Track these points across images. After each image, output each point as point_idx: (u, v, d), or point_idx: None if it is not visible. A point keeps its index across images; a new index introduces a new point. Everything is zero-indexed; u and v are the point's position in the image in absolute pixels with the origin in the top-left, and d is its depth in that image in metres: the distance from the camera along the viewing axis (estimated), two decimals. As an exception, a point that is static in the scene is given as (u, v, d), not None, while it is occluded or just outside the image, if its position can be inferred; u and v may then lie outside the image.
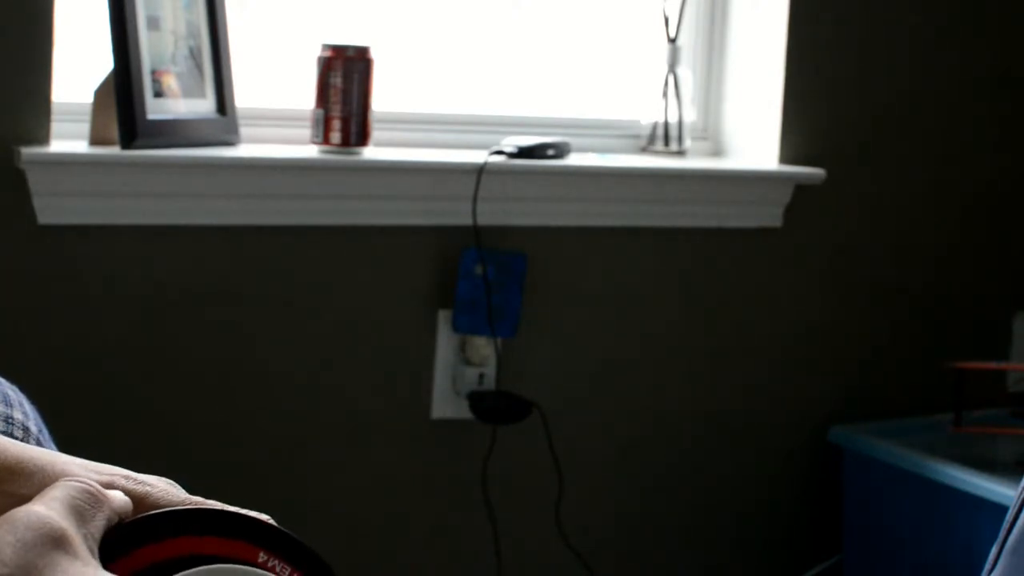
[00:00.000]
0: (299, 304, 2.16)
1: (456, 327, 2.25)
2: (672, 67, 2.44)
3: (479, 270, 2.24)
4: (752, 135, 2.49)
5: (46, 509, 0.49)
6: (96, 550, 0.50)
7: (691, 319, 2.44)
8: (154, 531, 0.52)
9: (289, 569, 0.52)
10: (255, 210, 2.11)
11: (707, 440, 2.48)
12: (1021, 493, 0.75)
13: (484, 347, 2.26)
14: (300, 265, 2.16)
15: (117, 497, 0.53)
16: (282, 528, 0.52)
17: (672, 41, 2.45)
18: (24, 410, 0.87)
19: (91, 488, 0.52)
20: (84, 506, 0.50)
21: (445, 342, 2.27)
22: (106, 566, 0.50)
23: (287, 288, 2.15)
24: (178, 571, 0.50)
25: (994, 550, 0.75)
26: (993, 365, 2.59)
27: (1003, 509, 1.82)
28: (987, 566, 0.75)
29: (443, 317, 2.26)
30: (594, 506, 2.40)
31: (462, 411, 2.27)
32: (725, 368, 2.48)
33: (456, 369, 2.27)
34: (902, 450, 2.38)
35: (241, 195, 2.10)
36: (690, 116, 2.47)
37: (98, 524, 0.51)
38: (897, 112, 2.56)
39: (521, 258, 2.27)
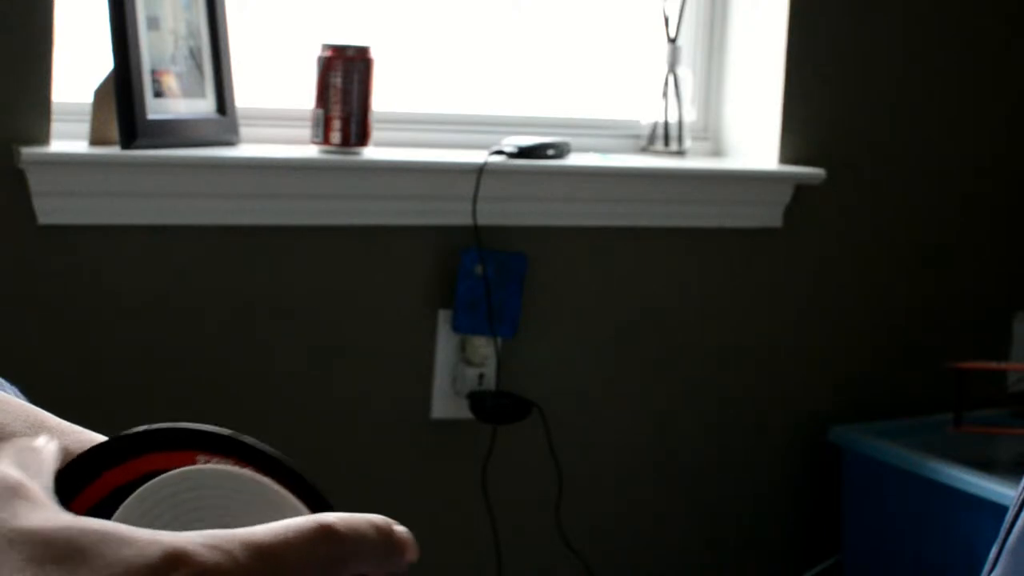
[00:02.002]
0: (299, 304, 2.16)
1: (456, 327, 2.25)
2: (672, 67, 2.44)
3: (479, 270, 2.24)
4: (752, 135, 2.49)
5: None
6: (53, 497, 0.49)
7: (691, 319, 2.44)
8: (95, 465, 0.52)
9: (231, 462, 0.52)
10: (255, 210, 2.11)
11: (707, 440, 2.48)
12: (1021, 493, 0.75)
13: (484, 347, 2.26)
14: (300, 265, 2.16)
15: (48, 443, 0.53)
16: (218, 429, 0.53)
17: (672, 41, 2.45)
18: None
19: (30, 444, 0.51)
20: (28, 460, 0.50)
21: (445, 342, 2.27)
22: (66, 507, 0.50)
23: (287, 288, 2.15)
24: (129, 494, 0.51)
25: (994, 550, 0.75)
26: (993, 365, 2.59)
27: (1003, 509, 1.81)
28: (987, 566, 0.75)
29: (443, 317, 2.26)
30: (594, 506, 2.40)
31: (462, 411, 2.27)
32: (725, 368, 2.48)
33: (456, 369, 2.27)
34: (902, 450, 2.38)
35: (241, 195, 2.10)
36: (690, 116, 2.47)
37: (47, 473, 0.50)
38: (897, 112, 2.56)
39: (521, 258, 2.27)
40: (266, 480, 0.51)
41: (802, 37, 2.43)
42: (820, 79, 2.47)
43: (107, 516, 0.49)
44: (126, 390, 2.07)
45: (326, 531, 0.46)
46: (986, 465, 2.35)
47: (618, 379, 2.40)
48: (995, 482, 2.23)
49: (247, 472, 0.51)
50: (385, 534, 0.48)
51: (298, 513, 0.50)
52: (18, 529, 0.44)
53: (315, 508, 0.52)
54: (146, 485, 0.50)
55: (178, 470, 0.50)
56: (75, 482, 0.51)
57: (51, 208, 1.98)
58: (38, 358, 2.00)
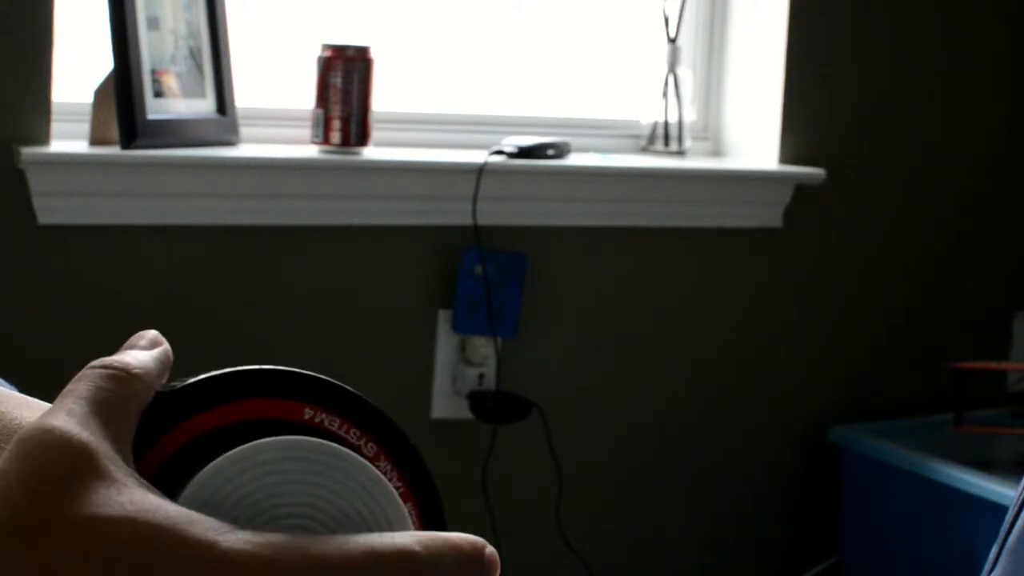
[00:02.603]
0: (299, 304, 2.16)
1: (456, 327, 2.25)
2: (672, 67, 2.44)
3: (479, 270, 2.24)
4: (752, 135, 2.49)
5: (65, 418, 0.43)
6: (129, 451, 0.44)
7: (691, 319, 2.44)
8: (191, 403, 0.47)
9: (339, 421, 0.48)
10: (255, 210, 2.11)
11: (707, 440, 2.48)
12: (1021, 493, 0.75)
13: (484, 347, 2.26)
14: (300, 265, 2.16)
15: (148, 363, 0.47)
16: (330, 379, 0.48)
17: (672, 41, 2.45)
18: None
19: (118, 372, 0.46)
20: (113, 397, 0.44)
21: (445, 342, 2.27)
22: (144, 451, 0.45)
23: (287, 288, 2.15)
24: (226, 441, 0.45)
25: (994, 550, 0.75)
26: (993, 365, 2.59)
27: (1003, 509, 1.81)
28: (987, 566, 0.75)
29: (443, 317, 2.26)
30: (594, 506, 2.40)
31: (462, 411, 2.27)
32: (725, 368, 2.48)
33: (456, 369, 2.27)
34: (902, 450, 2.38)
35: (241, 195, 2.10)
36: (690, 116, 2.47)
37: (132, 413, 0.45)
38: (897, 112, 2.56)
39: (521, 258, 2.27)
40: (374, 470, 0.46)
41: (802, 37, 2.43)
42: (820, 79, 2.47)
43: (197, 464, 0.45)
44: (126, 390, 2.07)
45: (404, 558, 0.42)
46: (986, 465, 2.35)
47: (618, 379, 2.40)
48: (995, 482, 2.23)
49: (357, 459, 0.45)
50: (469, 557, 0.44)
51: (403, 520, 0.46)
52: (70, 516, 0.40)
53: (421, 492, 0.48)
54: (243, 447, 0.45)
55: (282, 438, 0.45)
56: (163, 422, 0.46)
57: (51, 208, 1.98)
58: (38, 358, 2.00)
